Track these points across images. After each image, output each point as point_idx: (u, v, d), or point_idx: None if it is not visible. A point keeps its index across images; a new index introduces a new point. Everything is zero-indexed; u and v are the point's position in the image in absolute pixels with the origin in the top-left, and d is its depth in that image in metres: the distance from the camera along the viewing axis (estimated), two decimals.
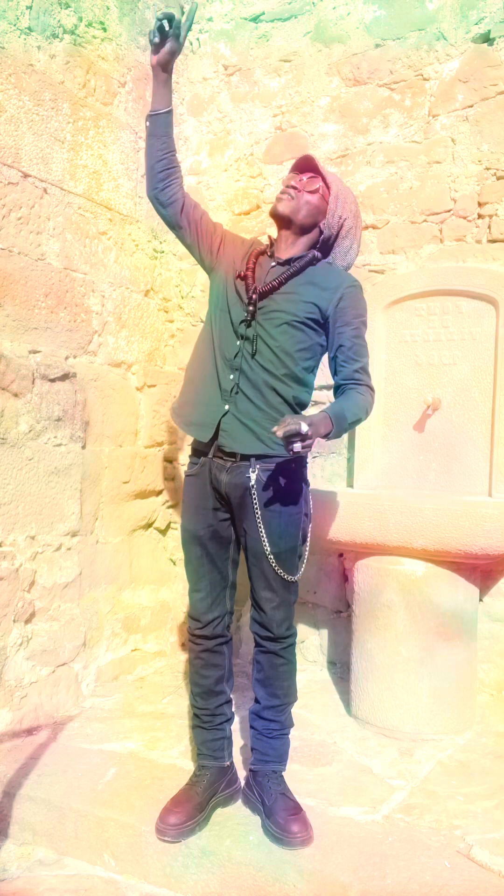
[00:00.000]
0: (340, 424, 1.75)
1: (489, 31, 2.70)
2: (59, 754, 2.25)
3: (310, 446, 1.64)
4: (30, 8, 2.47)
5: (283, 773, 1.94)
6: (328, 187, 1.89)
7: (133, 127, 3.02)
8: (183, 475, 3.35)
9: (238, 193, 3.27)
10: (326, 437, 1.73)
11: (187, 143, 3.38)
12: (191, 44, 3.36)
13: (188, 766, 2.11)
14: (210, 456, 1.89)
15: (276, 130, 3.18)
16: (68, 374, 2.66)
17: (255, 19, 3.22)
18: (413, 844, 1.76)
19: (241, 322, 1.86)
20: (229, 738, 2.02)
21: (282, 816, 1.79)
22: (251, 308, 1.84)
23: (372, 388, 1.90)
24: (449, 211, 2.80)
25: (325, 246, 1.93)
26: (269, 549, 1.84)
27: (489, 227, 2.72)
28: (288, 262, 1.90)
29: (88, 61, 2.75)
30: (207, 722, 1.98)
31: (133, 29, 2.99)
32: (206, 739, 1.98)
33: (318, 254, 1.92)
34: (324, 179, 1.88)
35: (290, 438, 1.59)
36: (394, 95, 2.92)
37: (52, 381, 2.58)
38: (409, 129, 2.88)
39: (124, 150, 2.96)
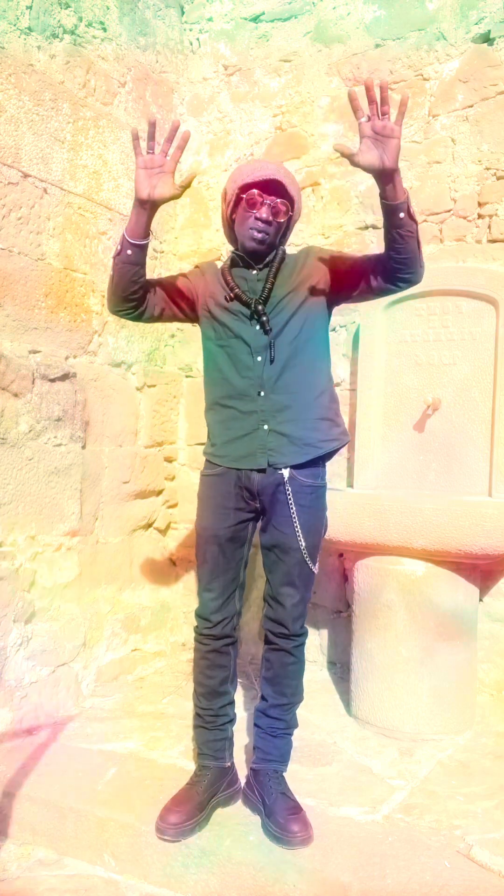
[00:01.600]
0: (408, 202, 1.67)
1: (489, 31, 2.70)
2: (59, 754, 2.25)
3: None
4: (30, 8, 2.47)
5: (284, 774, 1.94)
6: (291, 203, 1.86)
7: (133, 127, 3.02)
8: (183, 475, 3.38)
9: None
10: (399, 202, 1.64)
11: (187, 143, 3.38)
12: (191, 44, 3.37)
13: (188, 766, 2.11)
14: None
15: (276, 130, 3.18)
16: (68, 374, 2.66)
17: (255, 19, 3.22)
18: (413, 844, 1.76)
19: (256, 335, 1.86)
20: (231, 739, 2.02)
21: (282, 816, 1.79)
22: (264, 318, 1.84)
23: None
24: (449, 211, 2.80)
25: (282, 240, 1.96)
26: (303, 543, 1.87)
27: (489, 227, 2.72)
28: (266, 265, 1.90)
29: (88, 61, 2.75)
30: (210, 722, 1.98)
31: (133, 29, 2.99)
32: (207, 740, 1.98)
33: (283, 249, 1.93)
34: (289, 199, 1.85)
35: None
36: (394, 95, 2.92)
37: (52, 381, 2.58)
38: (409, 128, 2.88)
39: (124, 150, 2.96)
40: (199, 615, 1.97)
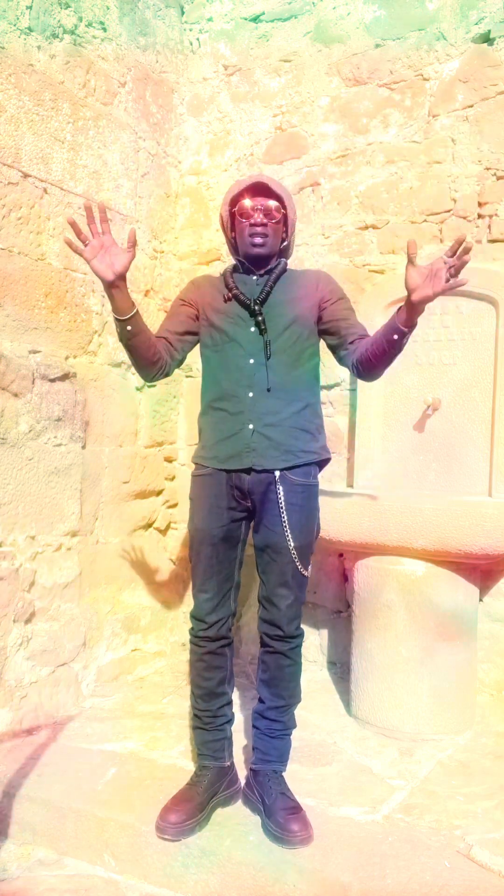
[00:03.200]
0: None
1: (489, 31, 2.70)
2: (59, 754, 2.26)
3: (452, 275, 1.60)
4: (30, 8, 2.47)
5: (284, 774, 1.94)
6: (281, 201, 1.92)
7: (133, 127, 3.02)
8: (183, 475, 3.37)
9: None
10: (408, 329, 1.70)
11: (187, 143, 3.38)
12: (191, 44, 3.37)
13: (188, 766, 2.11)
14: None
15: (276, 130, 3.18)
16: (68, 374, 2.66)
17: (255, 19, 3.22)
18: (413, 844, 1.76)
19: (251, 338, 1.90)
20: (230, 739, 2.03)
21: (282, 815, 1.79)
22: (260, 317, 1.88)
23: None
24: (449, 211, 2.80)
25: (283, 250, 2.01)
26: (292, 543, 1.87)
27: (489, 227, 2.72)
28: (268, 272, 1.95)
29: (88, 61, 2.75)
30: (209, 723, 1.98)
31: (133, 29, 2.99)
32: (206, 740, 1.99)
33: (285, 260, 1.98)
34: (277, 198, 1.91)
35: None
36: (394, 95, 2.92)
37: (52, 381, 2.58)
38: (409, 129, 2.88)
39: (124, 150, 2.96)
40: (194, 616, 1.97)
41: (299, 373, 1.93)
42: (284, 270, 1.96)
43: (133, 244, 1.71)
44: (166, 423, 3.29)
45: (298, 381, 1.93)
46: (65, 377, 2.64)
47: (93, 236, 1.73)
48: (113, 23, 2.87)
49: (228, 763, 2.00)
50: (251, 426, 1.88)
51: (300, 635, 1.95)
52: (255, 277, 1.95)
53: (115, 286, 1.75)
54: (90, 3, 2.74)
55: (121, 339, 1.86)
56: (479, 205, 2.73)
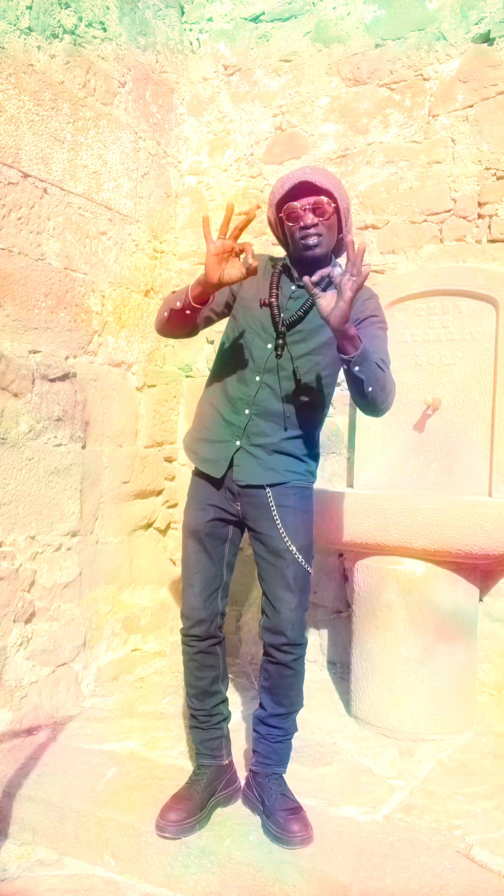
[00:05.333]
0: (365, 354, 1.65)
1: (489, 31, 2.70)
2: (59, 754, 2.25)
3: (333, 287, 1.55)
4: (30, 8, 2.47)
5: (284, 775, 1.94)
6: (331, 194, 1.79)
7: (133, 127, 3.02)
8: (183, 475, 3.37)
9: (238, 193, 3.27)
10: (350, 357, 1.62)
11: (187, 143, 3.38)
12: (191, 44, 3.37)
13: (188, 766, 2.11)
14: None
15: (276, 130, 3.18)
16: (68, 374, 2.66)
17: (255, 19, 3.22)
18: (413, 844, 1.76)
19: (266, 356, 1.86)
20: (227, 737, 2.02)
21: (282, 816, 1.79)
22: (280, 341, 1.82)
23: (391, 378, 1.79)
24: (449, 211, 2.80)
25: (339, 243, 1.89)
26: (290, 545, 1.85)
27: (489, 227, 2.72)
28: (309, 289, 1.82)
29: (88, 61, 2.75)
30: (205, 722, 1.98)
31: (133, 29, 2.99)
32: (203, 739, 1.98)
33: (336, 266, 1.84)
34: (326, 193, 1.78)
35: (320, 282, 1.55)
36: (394, 95, 2.92)
37: (52, 381, 2.58)
38: (409, 129, 2.88)
39: (124, 150, 2.96)
40: (184, 614, 1.96)
41: (306, 402, 1.88)
42: (330, 283, 1.76)
43: (251, 271, 1.68)
44: (166, 423, 3.29)
45: (302, 412, 1.88)
46: (65, 377, 2.64)
47: (222, 234, 1.68)
48: (113, 23, 2.87)
49: (227, 761, 2.00)
50: (238, 443, 1.87)
51: (304, 644, 1.90)
52: (294, 288, 1.86)
53: (211, 287, 1.71)
54: (90, 3, 2.74)
55: (172, 308, 1.81)
56: (479, 205, 2.73)
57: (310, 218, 1.77)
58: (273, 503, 1.86)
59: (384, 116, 2.94)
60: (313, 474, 1.97)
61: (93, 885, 1.82)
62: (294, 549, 1.86)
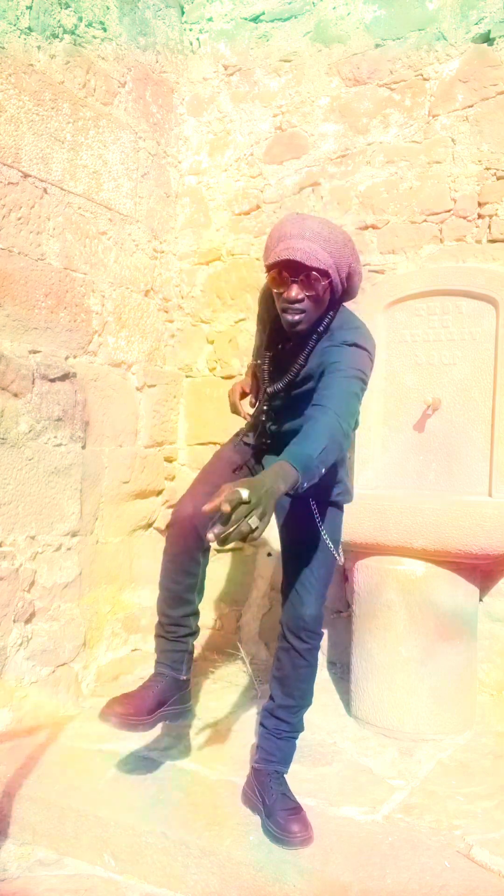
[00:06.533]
0: (308, 464, 1.46)
1: (489, 31, 2.70)
2: (59, 754, 2.25)
3: (261, 524, 1.30)
4: (30, 8, 2.47)
5: (285, 775, 1.94)
6: (324, 272, 1.63)
7: (133, 127, 3.02)
8: (183, 475, 3.37)
9: (238, 193, 3.27)
10: (295, 489, 1.44)
11: (187, 143, 3.38)
12: (191, 44, 3.37)
13: (188, 766, 2.11)
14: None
15: (276, 130, 3.18)
16: (68, 374, 2.66)
17: (255, 19, 3.22)
18: (413, 844, 1.76)
19: (264, 400, 1.92)
20: (191, 653, 1.97)
21: (282, 816, 1.78)
22: (265, 407, 1.89)
23: (345, 432, 1.58)
24: (449, 211, 2.80)
25: (336, 300, 1.76)
26: (326, 536, 1.87)
27: (489, 227, 2.72)
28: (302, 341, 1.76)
29: (88, 61, 2.75)
30: (171, 632, 1.92)
31: (133, 29, 2.99)
32: (165, 649, 1.93)
33: (326, 322, 1.74)
34: (318, 270, 1.61)
35: (231, 519, 1.28)
36: (394, 95, 2.92)
37: (52, 381, 2.58)
38: (409, 129, 2.88)
39: (124, 150, 2.96)
40: (177, 506, 1.90)
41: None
42: (320, 337, 1.70)
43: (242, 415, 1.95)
44: (166, 423, 3.29)
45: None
46: (65, 377, 2.64)
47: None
48: (113, 23, 2.87)
49: (185, 677, 1.94)
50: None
51: (320, 635, 1.90)
52: (280, 346, 1.82)
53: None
54: (90, 3, 2.74)
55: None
56: (479, 205, 2.73)
57: (294, 291, 1.62)
58: (312, 497, 1.87)
59: (384, 116, 2.94)
60: (327, 492, 1.91)
61: (93, 884, 1.82)
62: (329, 540, 1.88)
